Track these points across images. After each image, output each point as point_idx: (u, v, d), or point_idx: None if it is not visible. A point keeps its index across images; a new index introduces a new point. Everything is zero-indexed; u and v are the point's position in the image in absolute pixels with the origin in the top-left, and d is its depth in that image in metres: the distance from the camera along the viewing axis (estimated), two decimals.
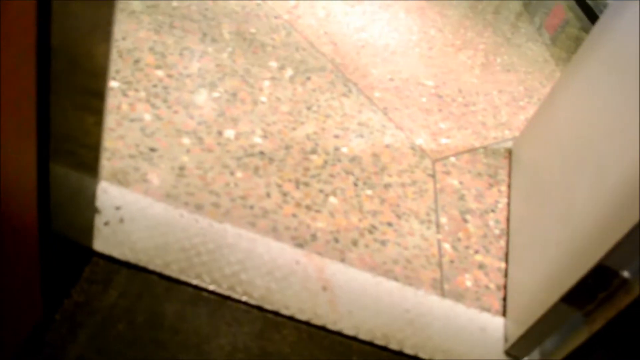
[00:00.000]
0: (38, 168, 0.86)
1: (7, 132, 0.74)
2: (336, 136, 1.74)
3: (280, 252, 1.32)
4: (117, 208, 1.28)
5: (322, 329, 1.22)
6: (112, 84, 1.62)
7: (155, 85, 1.67)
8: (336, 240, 1.42)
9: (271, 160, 1.57)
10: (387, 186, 1.63)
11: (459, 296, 1.40)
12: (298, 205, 1.47)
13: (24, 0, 0.67)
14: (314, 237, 1.40)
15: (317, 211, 1.47)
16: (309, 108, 1.81)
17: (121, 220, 1.25)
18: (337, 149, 1.69)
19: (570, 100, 1.58)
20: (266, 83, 1.84)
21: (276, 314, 1.21)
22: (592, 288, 1.10)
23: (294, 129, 1.70)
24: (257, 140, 1.61)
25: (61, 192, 1.01)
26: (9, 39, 0.67)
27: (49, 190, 0.94)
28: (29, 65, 0.74)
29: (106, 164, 1.39)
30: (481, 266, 1.50)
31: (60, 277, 1.09)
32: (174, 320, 1.15)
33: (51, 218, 0.98)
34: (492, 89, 2.28)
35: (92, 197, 1.17)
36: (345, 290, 1.30)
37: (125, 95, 1.60)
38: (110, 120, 1.51)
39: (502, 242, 1.59)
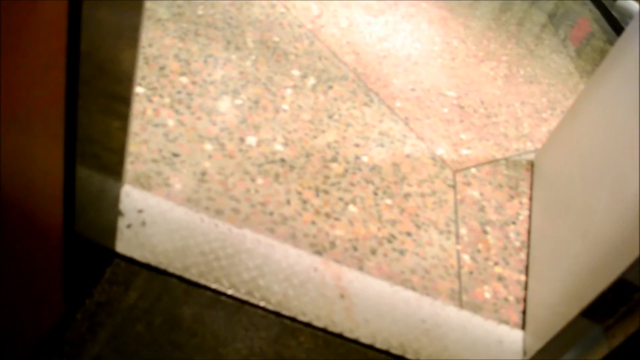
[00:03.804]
0: (65, 170, 0.88)
1: (35, 133, 0.76)
2: (357, 145, 1.75)
3: (298, 259, 1.33)
4: (140, 211, 1.30)
5: (339, 336, 1.22)
6: (138, 89, 1.65)
7: (179, 92, 1.69)
8: (354, 249, 1.42)
9: (292, 167, 1.58)
10: (406, 196, 1.63)
11: (477, 308, 1.39)
12: (317, 212, 1.48)
13: (56, 4, 0.70)
14: (332, 244, 1.41)
15: (336, 219, 1.48)
16: (330, 117, 1.82)
17: (143, 223, 1.27)
18: (357, 157, 1.70)
19: (593, 113, 1.56)
20: (288, 91, 1.86)
21: (293, 320, 1.22)
22: (613, 302, 1.09)
23: (314, 137, 1.71)
24: (278, 147, 1.63)
25: (85, 194, 1.03)
26: (40, 42, 0.69)
27: (74, 192, 0.96)
28: (59, 68, 0.76)
29: (129, 167, 1.42)
30: (500, 278, 1.49)
31: (83, 277, 1.12)
32: (191, 323, 1.16)
33: (75, 219, 1.00)
34: (515, 100, 2.27)
35: (115, 199, 1.19)
36: (362, 298, 1.30)
37: (150, 100, 1.63)
38: (134, 124, 1.53)
39: (522, 255, 1.58)
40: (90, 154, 1.01)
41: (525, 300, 1.45)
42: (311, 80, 1.95)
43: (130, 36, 0.99)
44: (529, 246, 1.60)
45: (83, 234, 1.09)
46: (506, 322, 1.38)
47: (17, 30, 0.63)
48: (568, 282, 1.25)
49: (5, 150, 0.69)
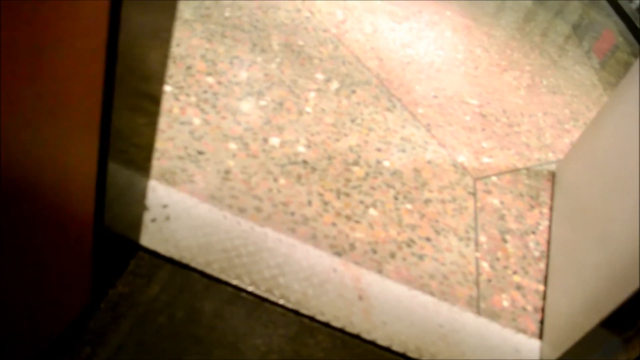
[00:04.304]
0: (98, 163, 0.90)
1: (73, 125, 0.79)
2: (378, 149, 1.76)
3: (318, 259, 1.34)
4: (164, 206, 1.32)
5: (357, 337, 1.23)
6: (165, 88, 1.68)
7: (205, 91, 1.72)
8: (374, 252, 1.43)
9: (314, 169, 1.60)
10: (427, 201, 1.64)
11: (494, 315, 1.39)
12: (338, 214, 1.49)
13: (98, 3, 0.72)
14: (352, 246, 1.42)
15: (357, 222, 1.49)
16: (352, 121, 1.83)
17: (167, 218, 1.30)
18: (378, 162, 1.71)
19: (616, 125, 1.56)
20: (312, 94, 1.88)
21: (312, 319, 1.23)
22: (632, 314, 1.09)
23: (337, 140, 1.73)
24: (301, 149, 1.65)
25: (115, 187, 1.06)
26: (82, 37, 0.71)
27: (105, 185, 0.99)
28: (98, 64, 0.78)
29: (155, 163, 1.44)
30: (519, 287, 1.49)
31: (108, 268, 1.14)
32: (211, 318, 1.18)
33: (105, 211, 1.03)
34: (537, 110, 2.26)
35: (142, 194, 1.22)
36: (381, 301, 1.31)
37: (176, 99, 1.66)
38: (161, 122, 1.56)
39: (542, 265, 1.58)
40: (120, 149, 1.04)
41: (543, 310, 1.44)
42: (335, 84, 1.97)
43: (163, 37, 1.02)
44: (548, 256, 1.60)
45: (110, 227, 1.12)
46: (524, 331, 1.38)
47: (61, 23, 0.65)
48: (587, 293, 1.25)
49: (44, 140, 0.71)
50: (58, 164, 0.78)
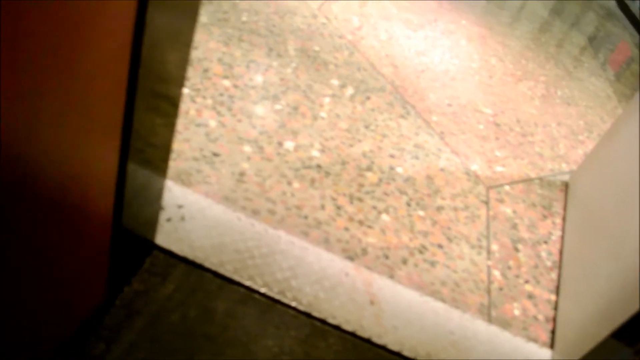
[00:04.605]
0: (119, 163, 0.92)
1: (96, 124, 0.80)
2: (392, 156, 1.77)
3: (330, 263, 1.35)
4: (180, 206, 1.34)
5: (367, 341, 1.23)
6: (182, 90, 1.70)
7: (221, 94, 1.74)
8: (386, 257, 1.44)
9: (327, 173, 1.61)
10: (439, 209, 1.64)
11: (505, 324, 1.39)
12: (351, 219, 1.50)
13: (125, 2, 0.74)
14: (364, 251, 1.43)
15: (369, 227, 1.50)
16: (366, 127, 1.84)
17: (182, 218, 1.31)
18: (392, 168, 1.72)
19: (630, 137, 1.56)
20: (327, 99, 1.89)
21: (323, 322, 1.24)
22: None
23: (351, 145, 1.74)
24: (315, 153, 1.66)
25: (133, 187, 1.08)
26: (108, 36, 0.73)
27: (125, 184, 1.01)
28: (122, 64, 0.80)
29: (171, 164, 1.46)
30: (530, 296, 1.49)
31: (124, 265, 1.16)
32: (224, 317, 1.19)
33: (123, 210, 1.04)
34: (551, 121, 2.26)
35: (158, 194, 1.23)
36: (392, 305, 1.31)
37: (193, 101, 1.68)
38: (177, 123, 1.58)
39: (554, 275, 1.57)
40: (138, 149, 1.05)
41: (554, 319, 1.44)
42: (349, 90, 1.98)
43: (184, 39, 1.04)
44: (560, 266, 1.59)
45: (127, 225, 1.14)
46: (535, 340, 1.37)
47: (89, 22, 0.67)
48: (599, 304, 1.25)
49: (67, 138, 0.73)
50: (80, 163, 0.80)
